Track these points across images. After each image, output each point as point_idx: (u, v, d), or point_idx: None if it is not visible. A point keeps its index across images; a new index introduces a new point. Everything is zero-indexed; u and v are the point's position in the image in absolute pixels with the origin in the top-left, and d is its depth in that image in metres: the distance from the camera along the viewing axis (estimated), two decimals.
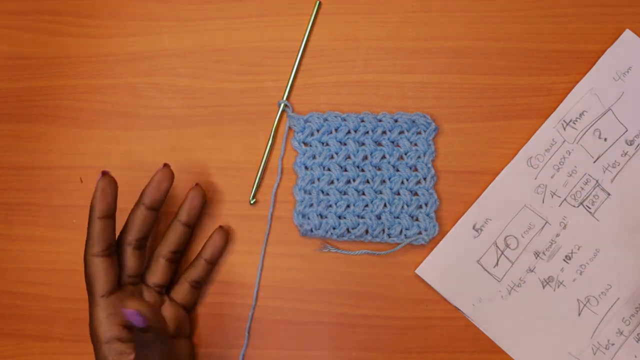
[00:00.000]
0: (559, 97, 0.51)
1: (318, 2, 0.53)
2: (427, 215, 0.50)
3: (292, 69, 0.53)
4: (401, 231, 0.51)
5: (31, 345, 0.53)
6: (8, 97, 0.55)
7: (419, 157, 0.51)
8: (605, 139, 0.51)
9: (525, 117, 0.51)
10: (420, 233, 0.50)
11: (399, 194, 0.51)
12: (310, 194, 0.51)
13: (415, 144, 0.51)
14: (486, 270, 0.51)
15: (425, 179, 0.51)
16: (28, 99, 0.54)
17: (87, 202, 0.53)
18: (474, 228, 0.51)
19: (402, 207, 0.51)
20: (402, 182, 0.51)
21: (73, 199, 0.54)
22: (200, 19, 0.54)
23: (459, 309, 0.50)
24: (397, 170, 0.51)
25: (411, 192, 0.51)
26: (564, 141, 0.51)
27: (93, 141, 0.54)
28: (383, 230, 0.51)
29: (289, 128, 0.52)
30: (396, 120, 0.51)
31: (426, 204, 0.51)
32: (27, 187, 0.54)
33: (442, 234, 0.51)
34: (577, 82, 0.51)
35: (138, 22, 0.54)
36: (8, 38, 0.55)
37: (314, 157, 0.51)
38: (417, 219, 0.51)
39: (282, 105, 0.52)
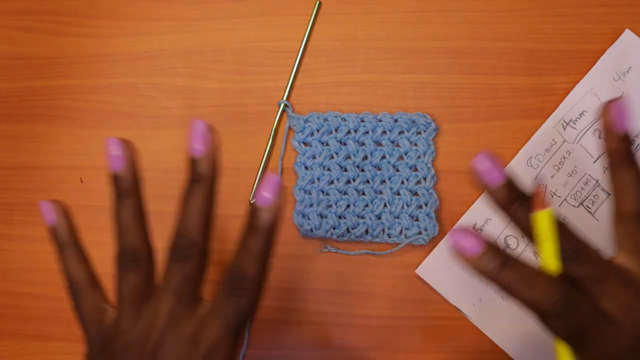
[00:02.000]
0: (559, 97, 0.51)
1: (318, 2, 0.53)
2: (427, 215, 0.50)
3: (292, 69, 0.53)
4: (401, 231, 0.51)
5: (31, 345, 0.53)
6: (8, 97, 0.55)
7: (419, 157, 0.51)
8: None
9: (525, 117, 0.51)
10: (420, 233, 0.50)
11: (399, 194, 0.51)
12: (310, 194, 0.51)
13: (415, 144, 0.51)
14: None
15: (425, 179, 0.51)
16: (28, 99, 0.54)
17: (87, 202, 0.53)
18: (474, 228, 0.51)
19: (402, 207, 0.51)
20: (402, 182, 0.51)
21: (73, 199, 0.53)
22: (200, 19, 0.54)
23: (459, 309, 0.50)
24: (397, 170, 0.51)
25: (411, 192, 0.51)
26: (564, 141, 0.51)
27: (93, 141, 0.54)
28: (383, 230, 0.51)
29: (289, 128, 0.52)
30: (396, 120, 0.51)
31: (426, 204, 0.51)
32: (27, 187, 0.54)
33: (442, 234, 0.51)
34: (577, 82, 0.51)
35: (138, 22, 0.54)
36: (8, 38, 0.55)
37: (314, 157, 0.51)
38: (417, 219, 0.51)
39: (282, 105, 0.52)
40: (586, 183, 0.51)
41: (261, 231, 0.34)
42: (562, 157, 0.51)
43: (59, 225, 0.38)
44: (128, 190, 0.35)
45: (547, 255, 0.34)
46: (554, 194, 0.51)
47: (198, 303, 0.35)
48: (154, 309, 0.34)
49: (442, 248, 0.51)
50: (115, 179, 0.35)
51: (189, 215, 0.34)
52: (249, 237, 0.34)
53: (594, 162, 0.51)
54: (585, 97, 0.51)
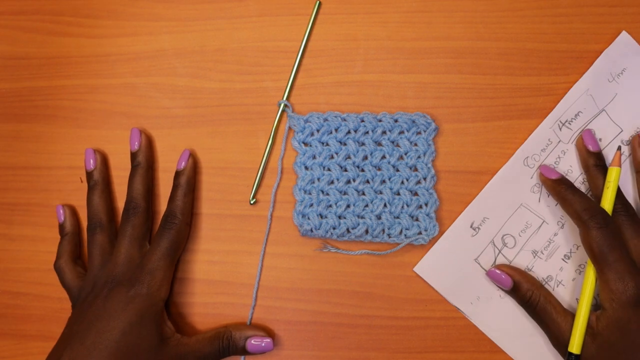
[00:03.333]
0: (559, 97, 0.52)
1: (318, 2, 0.53)
2: (427, 215, 0.51)
3: (292, 69, 0.53)
4: (401, 231, 0.51)
5: (31, 345, 0.53)
6: (8, 97, 0.55)
7: (419, 157, 0.51)
8: (600, 139, 0.51)
9: (525, 117, 0.52)
10: (420, 233, 0.50)
11: (399, 194, 0.51)
12: (310, 194, 0.51)
13: (415, 144, 0.51)
14: (484, 269, 0.51)
15: (425, 179, 0.51)
16: (28, 99, 0.54)
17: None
18: (471, 226, 0.51)
19: (402, 207, 0.51)
20: (402, 182, 0.51)
21: (73, 199, 0.54)
22: (200, 18, 0.54)
23: (457, 307, 0.51)
24: (397, 170, 0.51)
25: (411, 192, 0.51)
26: (559, 141, 0.51)
27: (93, 141, 0.54)
28: (383, 230, 0.51)
29: (289, 128, 0.52)
30: (396, 120, 0.51)
31: (426, 204, 0.51)
32: (27, 187, 0.54)
33: (442, 234, 0.51)
34: (577, 82, 0.51)
35: (138, 22, 0.54)
36: (8, 38, 0.55)
37: (314, 157, 0.51)
38: (417, 219, 0.51)
39: (282, 105, 0.52)
40: (582, 182, 0.51)
41: (182, 186, 0.51)
42: (558, 156, 0.51)
43: (65, 220, 0.53)
44: (96, 182, 0.52)
45: (605, 199, 0.48)
46: (550, 194, 0.51)
47: (144, 245, 0.50)
48: (115, 253, 0.49)
49: (441, 246, 0.51)
50: (88, 176, 0.52)
51: (133, 188, 0.51)
52: (174, 191, 0.51)
53: None
54: (581, 98, 0.51)
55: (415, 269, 0.51)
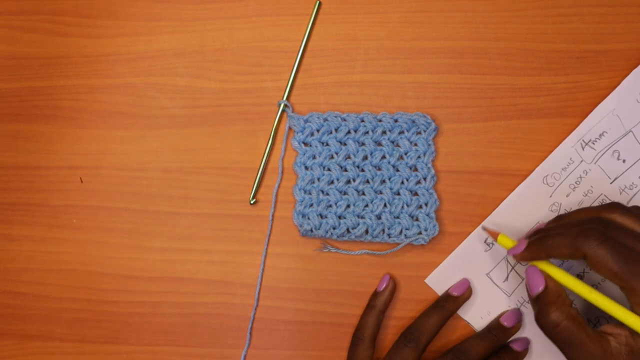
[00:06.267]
0: (559, 97, 0.51)
1: (318, 2, 0.53)
2: (427, 215, 0.50)
3: (292, 69, 0.53)
4: (401, 231, 0.51)
5: (31, 345, 0.53)
6: (8, 97, 0.55)
7: (419, 157, 0.51)
8: (624, 161, 0.50)
9: (525, 117, 0.51)
10: (420, 233, 0.50)
11: (399, 194, 0.51)
12: (310, 194, 0.51)
13: (415, 144, 0.51)
14: (495, 284, 0.50)
15: (425, 179, 0.51)
16: (28, 99, 0.54)
17: (87, 202, 0.53)
18: (485, 242, 0.51)
19: (402, 207, 0.51)
20: (402, 182, 0.51)
21: (73, 199, 0.54)
22: (200, 19, 0.54)
23: (467, 322, 0.50)
24: (397, 170, 0.51)
25: (411, 192, 0.51)
26: (582, 161, 0.50)
27: (93, 141, 0.54)
28: (383, 230, 0.51)
29: (289, 128, 0.52)
30: (396, 120, 0.51)
31: (426, 204, 0.51)
32: (27, 187, 0.54)
33: (442, 234, 0.51)
34: (577, 82, 0.51)
35: (138, 22, 0.54)
36: (8, 38, 0.55)
37: (314, 157, 0.51)
38: (417, 219, 0.51)
39: (282, 105, 0.52)
40: (601, 203, 0.50)
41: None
42: (579, 176, 0.50)
43: (381, 294, 0.50)
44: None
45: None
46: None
47: None
48: None
49: (453, 259, 0.51)
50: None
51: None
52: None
53: (611, 183, 0.50)
54: (606, 118, 0.50)
55: (427, 280, 0.51)
